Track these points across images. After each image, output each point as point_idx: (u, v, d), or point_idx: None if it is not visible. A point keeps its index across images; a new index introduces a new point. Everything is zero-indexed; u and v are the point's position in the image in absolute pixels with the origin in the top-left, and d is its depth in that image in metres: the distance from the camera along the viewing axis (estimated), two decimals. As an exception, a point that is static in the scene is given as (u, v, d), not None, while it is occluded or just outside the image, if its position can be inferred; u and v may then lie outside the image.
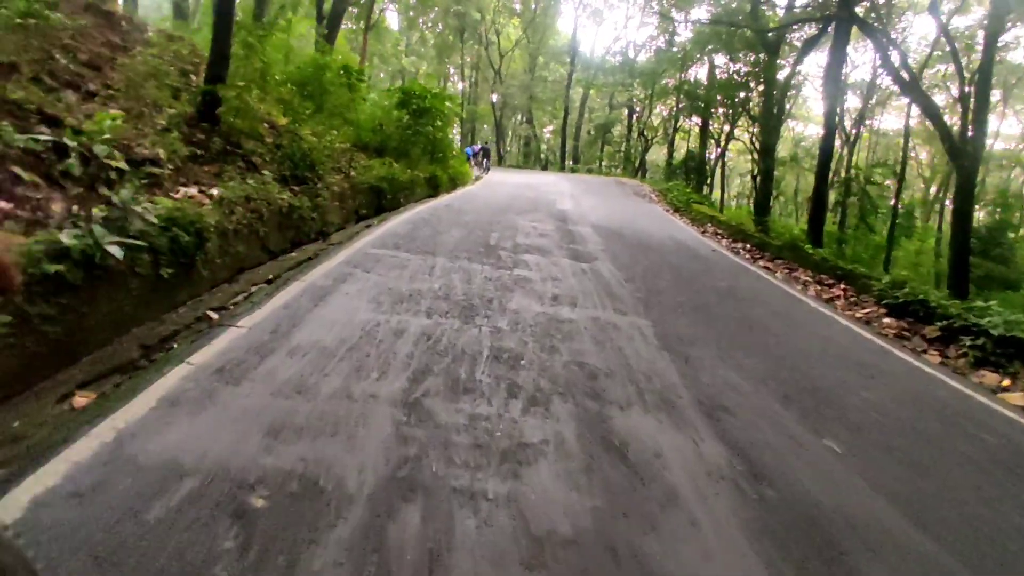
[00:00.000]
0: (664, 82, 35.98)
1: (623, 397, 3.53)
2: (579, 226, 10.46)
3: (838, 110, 26.09)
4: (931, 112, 18.52)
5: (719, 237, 12.11)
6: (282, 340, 3.58)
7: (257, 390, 2.92)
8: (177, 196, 6.07)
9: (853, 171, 29.15)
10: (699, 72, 35.55)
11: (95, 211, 4.22)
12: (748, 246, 11.00)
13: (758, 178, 30.04)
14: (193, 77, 9.91)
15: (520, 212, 11.54)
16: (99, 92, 7.50)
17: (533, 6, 42.08)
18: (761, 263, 9.78)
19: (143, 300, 4.31)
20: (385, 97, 16.39)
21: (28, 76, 6.64)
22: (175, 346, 3.95)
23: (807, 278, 8.88)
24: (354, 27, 31.17)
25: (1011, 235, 27.38)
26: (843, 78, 27.33)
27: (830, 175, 22.86)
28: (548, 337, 4.32)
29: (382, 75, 40.25)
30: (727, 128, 35.20)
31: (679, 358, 4.39)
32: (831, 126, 22.41)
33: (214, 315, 4.64)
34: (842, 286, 8.27)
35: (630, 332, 4.79)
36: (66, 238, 3.73)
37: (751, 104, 31.60)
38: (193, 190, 6.35)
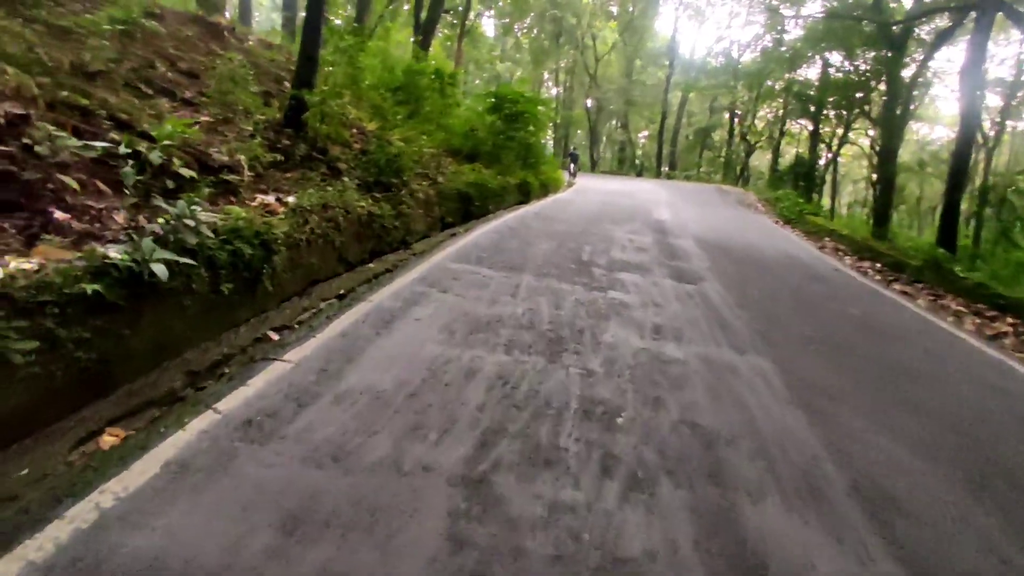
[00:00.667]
0: (769, 83, 33.66)
1: (753, 479, 2.65)
2: (680, 239, 9.44)
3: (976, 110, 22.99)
4: (1102, 110, 15.83)
5: (840, 254, 10.64)
6: (330, 382, 2.99)
7: (286, 454, 2.32)
8: (253, 204, 5.76)
9: (992, 178, 25.75)
10: (809, 71, 32.96)
11: (159, 221, 3.86)
12: (878, 265, 9.51)
13: (877, 186, 27.29)
14: (287, 84, 9.83)
15: (615, 222, 10.66)
16: (194, 99, 7.44)
17: (631, 8, 40.81)
18: (896, 286, 8.34)
19: (198, 320, 3.89)
20: (478, 102, 16.00)
21: (120, 83, 6.60)
22: (226, 371, 3.49)
23: (959, 307, 7.40)
24: (450, 33, 31.38)
25: None
26: (983, 74, 24.20)
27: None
28: (651, 384, 3.49)
29: (477, 81, 40.40)
30: (840, 131, 32.38)
31: (818, 418, 3.42)
32: (968, 127, 19.68)
33: (275, 335, 4.19)
34: (1009, 320, 6.77)
35: (751, 378, 3.86)
36: (114, 253, 3.34)
37: (870, 105, 28.83)
38: (270, 198, 6.03)
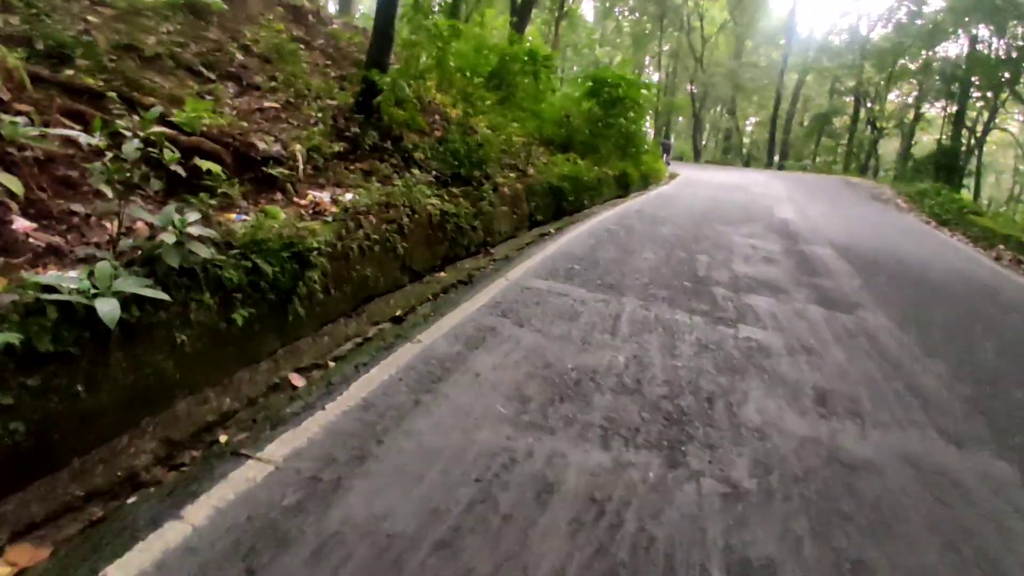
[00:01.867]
0: (904, 61, 29.61)
1: None
2: (814, 246, 7.68)
3: None
4: None
5: None
6: (318, 507, 1.86)
7: None
8: (302, 203, 4.83)
9: None
10: (951, 48, 28.66)
11: (169, 230, 2.93)
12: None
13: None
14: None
15: (730, 222, 9.01)
16: (261, 84, 6.70)
17: (744, -14, 37.47)
18: None
19: (200, 358, 2.92)
20: (574, 87, 14.58)
21: (175, 66, 5.91)
22: (220, 440, 2.52)
23: None
24: (548, 17, 30.00)
25: None
26: None
27: None
28: (839, 520, 2.09)
29: (575, 68, 38.66)
30: (985, 116, 27.91)
31: None
32: None
33: (298, 380, 3.20)
34: None
35: (998, 508, 2.37)
36: (67, 283, 2.41)
37: (1025, 85, 24.57)
38: (325, 195, 5.09)
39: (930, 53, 28.70)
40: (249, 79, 6.63)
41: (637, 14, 41.34)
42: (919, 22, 28.93)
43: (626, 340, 3.58)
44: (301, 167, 5.30)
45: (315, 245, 3.79)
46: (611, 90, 13.47)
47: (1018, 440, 2.97)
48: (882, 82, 31.53)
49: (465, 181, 7.09)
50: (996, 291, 6.64)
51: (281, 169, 4.86)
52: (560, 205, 9.34)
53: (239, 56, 6.90)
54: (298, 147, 5.41)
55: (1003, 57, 25.10)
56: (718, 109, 43.51)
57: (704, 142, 43.29)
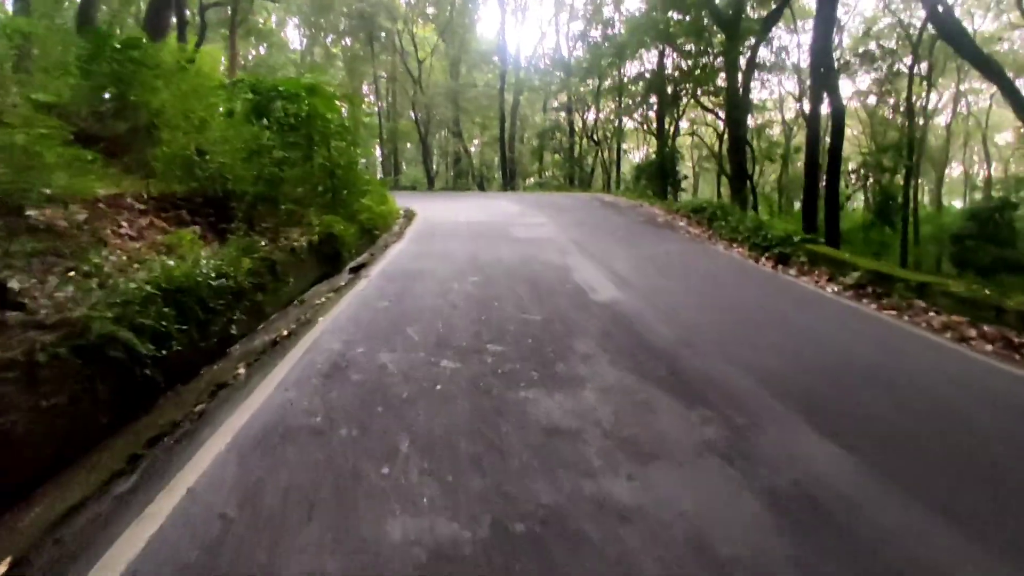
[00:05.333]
0: (598, 79, 29.46)
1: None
2: (734, 402, 3.20)
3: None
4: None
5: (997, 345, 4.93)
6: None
7: None
8: None
9: (863, 158, 23.58)
10: (645, 65, 29.16)
11: None
12: None
13: (731, 177, 24.16)
14: None
15: (541, 359, 4.14)
16: None
17: (448, 11, 34.50)
18: None
19: None
20: (224, 97, 8.51)
21: None
22: None
23: None
24: (237, 32, 22.81)
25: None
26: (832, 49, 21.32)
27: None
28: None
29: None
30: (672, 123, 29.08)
31: None
32: (836, 103, 16.23)
33: None
34: None
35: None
36: None
37: (704, 92, 25.73)
38: None
39: (623, 71, 28.84)
40: None
41: (348, 40, 35.82)
42: (607, 45, 28.95)
43: None
44: None
45: None
46: (288, 105, 7.90)
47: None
48: (589, 98, 31.19)
49: None
50: None
51: None
52: (126, 384, 3.54)
53: None
54: None
55: (684, 71, 26.14)
56: (443, 133, 40.19)
57: (435, 168, 39.65)
